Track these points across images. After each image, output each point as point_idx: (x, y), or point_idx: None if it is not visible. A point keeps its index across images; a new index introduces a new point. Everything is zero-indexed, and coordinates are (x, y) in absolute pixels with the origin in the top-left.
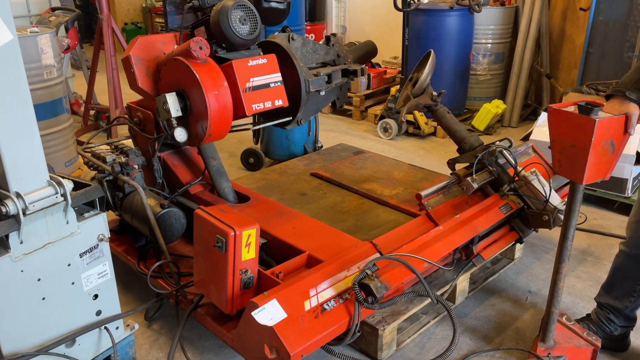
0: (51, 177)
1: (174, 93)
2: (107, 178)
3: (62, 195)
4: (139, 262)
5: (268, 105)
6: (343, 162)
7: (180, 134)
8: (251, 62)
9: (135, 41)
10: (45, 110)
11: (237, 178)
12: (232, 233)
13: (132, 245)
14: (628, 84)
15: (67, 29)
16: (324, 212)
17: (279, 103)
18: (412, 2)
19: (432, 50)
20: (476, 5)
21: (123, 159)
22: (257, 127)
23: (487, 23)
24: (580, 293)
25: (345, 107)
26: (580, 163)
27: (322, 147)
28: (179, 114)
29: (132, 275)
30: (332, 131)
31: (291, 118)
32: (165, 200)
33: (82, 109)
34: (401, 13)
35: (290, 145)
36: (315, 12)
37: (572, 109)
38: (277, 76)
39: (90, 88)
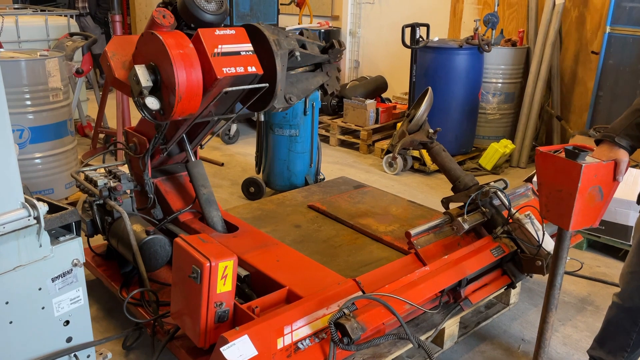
0: (26, 199)
1: (144, 65)
2: (98, 202)
3: (35, 218)
4: (122, 288)
5: (240, 70)
6: (342, 195)
7: (152, 102)
8: (218, 32)
9: (111, 40)
10: (49, 132)
11: (233, 207)
12: (208, 264)
13: (118, 271)
14: (618, 129)
15: (83, 54)
16: (317, 246)
17: (252, 69)
18: (420, 39)
19: (429, 88)
20: (486, 45)
21: (113, 184)
22: (232, 88)
23: (498, 63)
24: (576, 344)
25: (353, 140)
26: (566, 209)
27: (324, 179)
28: (150, 84)
29: (115, 301)
30: (337, 164)
31: (267, 85)
32: (152, 227)
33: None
34: None
35: (292, 176)
36: None
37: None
38: (248, 46)
39: (100, 112)
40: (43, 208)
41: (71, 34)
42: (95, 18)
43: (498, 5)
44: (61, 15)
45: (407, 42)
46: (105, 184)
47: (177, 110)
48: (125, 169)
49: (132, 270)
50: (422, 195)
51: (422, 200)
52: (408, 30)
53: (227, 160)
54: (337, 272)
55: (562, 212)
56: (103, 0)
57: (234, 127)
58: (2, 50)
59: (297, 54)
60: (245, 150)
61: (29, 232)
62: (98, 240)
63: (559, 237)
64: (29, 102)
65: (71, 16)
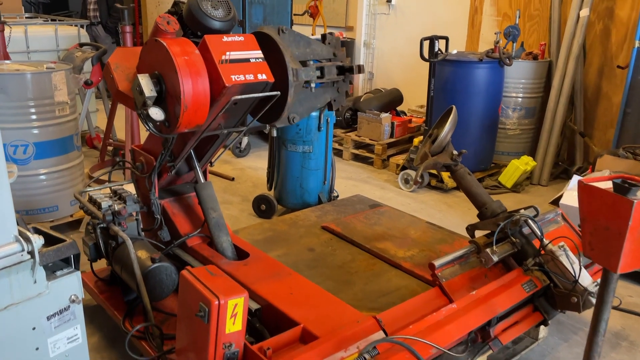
0: (20, 232)
1: (147, 74)
2: (101, 225)
3: (29, 253)
4: (125, 318)
5: (250, 77)
6: (357, 215)
7: (156, 113)
8: (226, 38)
9: (115, 51)
10: (54, 147)
11: (244, 227)
12: (216, 302)
13: (122, 298)
14: None
15: (92, 65)
16: (331, 271)
17: (262, 77)
18: (439, 52)
19: (454, 107)
20: (507, 59)
21: (117, 207)
22: (241, 97)
23: (519, 76)
24: None
25: (367, 154)
26: (614, 249)
27: (337, 196)
28: (153, 94)
29: (119, 330)
30: (350, 179)
31: (279, 93)
32: (158, 253)
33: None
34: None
35: (304, 193)
36: None
37: (605, 185)
38: (258, 53)
39: (109, 123)
40: (38, 242)
41: (81, 44)
42: (106, 27)
43: (519, 18)
44: (71, 25)
45: (426, 55)
46: (109, 206)
47: (182, 122)
48: (131, 187)
49: (136, 298)
50: (440, 215)
51: (440, 219)
52: (426, 43)
53: (238, 174)
54: (354, 302)
55: (610, 253)
56: (114, 9)
57: (245, 140)
58: (8, 62)
59: (313, 85)
60: (256, 164)
61: (22, 267)
62: (102, 263)
63: (604, 280)
64: (34, 117)
65: (81, 26)
